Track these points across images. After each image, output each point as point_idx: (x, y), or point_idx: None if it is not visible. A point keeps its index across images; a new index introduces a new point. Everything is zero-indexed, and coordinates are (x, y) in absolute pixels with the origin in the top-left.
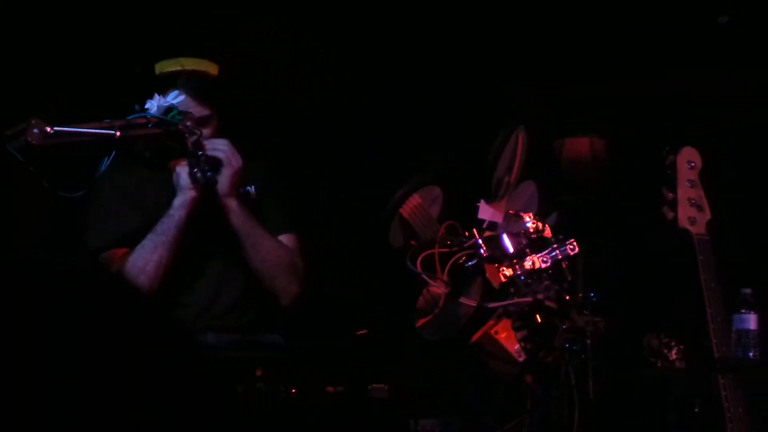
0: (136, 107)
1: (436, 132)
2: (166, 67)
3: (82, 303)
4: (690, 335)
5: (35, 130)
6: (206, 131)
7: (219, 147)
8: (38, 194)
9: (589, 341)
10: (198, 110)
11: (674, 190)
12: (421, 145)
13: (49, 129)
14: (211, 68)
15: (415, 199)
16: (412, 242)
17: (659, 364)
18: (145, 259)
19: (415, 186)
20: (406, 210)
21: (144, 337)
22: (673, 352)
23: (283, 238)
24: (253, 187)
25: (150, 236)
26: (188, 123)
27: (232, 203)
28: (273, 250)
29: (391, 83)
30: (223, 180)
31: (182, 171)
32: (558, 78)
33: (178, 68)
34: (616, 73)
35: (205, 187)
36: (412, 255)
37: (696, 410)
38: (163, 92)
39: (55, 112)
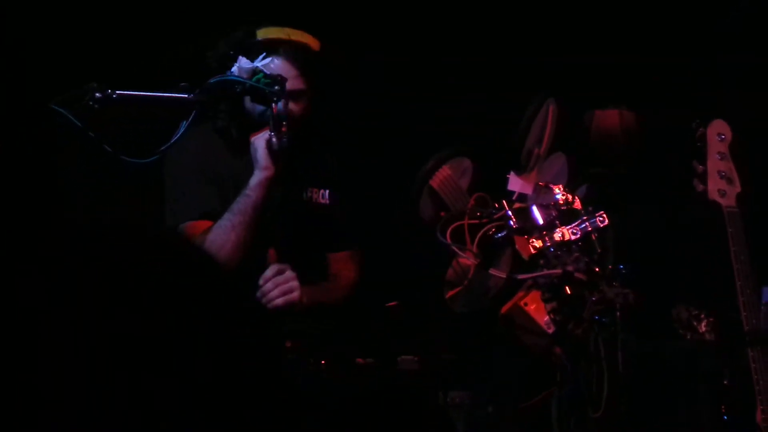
0: (229, 74)
1: (465, 104)
2: (270, 33)
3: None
4: (719, 308)
5: (98, 94)
6: (296, 107)
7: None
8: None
9: (618, 313)
10: (294, 82)
11: (704, 163)
12: (450, 118)
13: (112, 93)
14: (313, 43)
15: (444, 171)
16: (442, 214)
17: (688, 337)
18: (222, 239)
19: (444, 157)
20: (435, 181)
21: (220, 310)
22: (703, 324)
23: (345, 255)
24: (327, 191)
25: (227, 215)
26: (276, 88)
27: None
28: (334, 300)
29: (421, 56)
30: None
31: (259, 144)
32: (588, 49)
33: (283, 37)
34: (646, 44)
35: (282, 157)
36: (441, 226)
37: (725, 383)
38: (250, 55)
39: (125, 79)
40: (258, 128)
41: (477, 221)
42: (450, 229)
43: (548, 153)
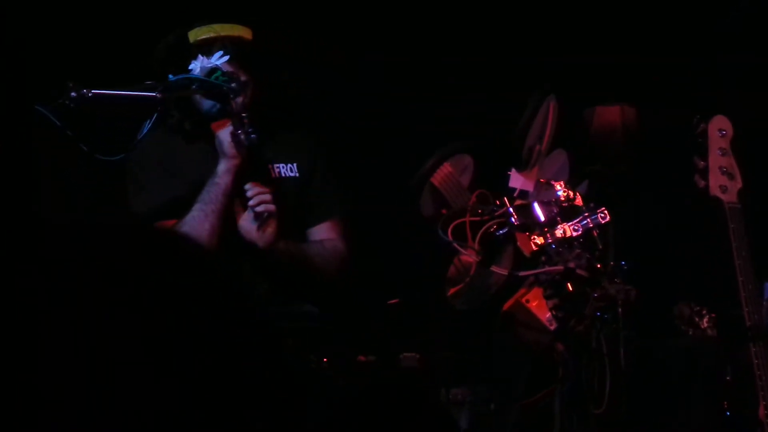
0: (170, 76)
1: (465, 104)
2: (199, 34)
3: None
4: (721, 304)
5: (73, 93)
6: (240, 99)
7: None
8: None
9: (620, 310)
10: None
11: (705, 159)
12: (450, 118)
13: (87, 92)
14: (246, 33)
15: (446, 168)
16: (443, 211)
17: (690, 333)
18: (198, 230)
19: (445, 154)
20: (437, 179)
21: (207, 300)
22: (705, 320)
23: (325, 226)
24: (295, 164)
25: (198, 206)
26: (233, 85)
27: (279, 245)
28: (319, 263)
29: (423, 52)
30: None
31: (224, 136)
32: (588, 49)
33: (212, 35)
34: (646, 44)
35: (249, 150)
36: (443, 224)
37: (727, 379)
38: (207, 53)
39: (91, 77)
40: (213, 120)
41: (478, 218)
42: (451, 226)
43: (549, 150)
